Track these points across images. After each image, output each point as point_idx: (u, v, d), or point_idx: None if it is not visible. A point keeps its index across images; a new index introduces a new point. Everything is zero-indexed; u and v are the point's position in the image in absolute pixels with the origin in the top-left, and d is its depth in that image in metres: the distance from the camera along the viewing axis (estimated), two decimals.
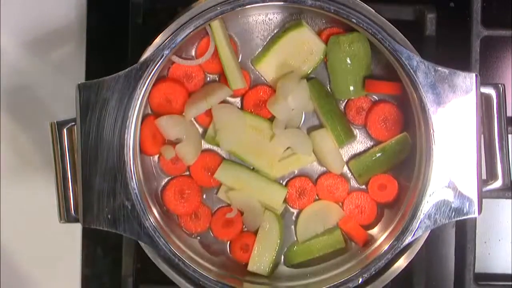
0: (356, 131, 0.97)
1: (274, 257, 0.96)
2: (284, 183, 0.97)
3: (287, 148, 0.96)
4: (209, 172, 0.96)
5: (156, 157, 0.97)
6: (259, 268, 0.96)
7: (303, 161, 0.97)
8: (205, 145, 0.97)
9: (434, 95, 0.88)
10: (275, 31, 0.96)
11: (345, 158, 0.97)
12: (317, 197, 0.97)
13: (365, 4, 0.90)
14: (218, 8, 0.88)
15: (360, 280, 0.91)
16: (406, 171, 0.95)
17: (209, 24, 0.93)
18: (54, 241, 1.05)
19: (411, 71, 0.88)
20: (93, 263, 1.05)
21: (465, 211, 0.89)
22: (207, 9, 0.89)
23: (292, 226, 0.98)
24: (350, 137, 0.96)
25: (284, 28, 0.96)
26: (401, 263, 0.92)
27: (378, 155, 0.96)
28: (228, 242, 0.97)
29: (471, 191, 0.88)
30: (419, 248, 0.92)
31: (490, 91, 0.91)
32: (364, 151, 0.97)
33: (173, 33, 0.89)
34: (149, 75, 0.88)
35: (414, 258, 0.92)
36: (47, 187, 1.03)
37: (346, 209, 0.97)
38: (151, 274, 0.97)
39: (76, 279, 1.05)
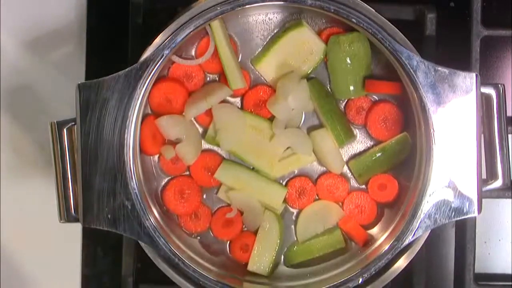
0: (356, 131, 0.97)
1: (274, 257, 0.96)
2: (284, 183, 0.97)
3: (287, 148, 0.96)
4: (209, 172, 0.96)
5: (156, 157, 0.97)
6: (259, 268, 0.96)
7: (303, 161, 0.97)
8: (205, 145, 0.97)
9: (434, 95, 0.88)
10: (275, 31, 0.96)
11: (345, 158, 0.97)
12: (317, 197, 0.97)
13: (365, 4, 0.90)
14: (218, 8, 0.88)
15: (360, 280, 0.91)
16: (406, 171, 0.95)
17: (209, 24, 0.93)
18: (54, 241, 1.05)
19: (411, 71, 0.88)
20: (93, 263, 1.05)
21: (465, 211, 0.89)
22: (207, 9, 0.89)
23: (292, 226, 0.98)
24: (350, 137, 0.96)
25: (284, 28, 0.96)
26: (401, 263, 0.92)
27: (378, 155, 0.96)
28: (228, 242, 0.97)
29: (471, 191, 0.88)
30: (419, 248, 0.92)
31: (490, 91, 0.91)
32: (364, 151, 0.97)
33: (173, 33, 0.89)
34: (149, 75, 0.88)
35: (414, 258, 0.92)
36: (47, 187, 1.03)
37: (346, 209, 0.97)
38: (151, 274, 0.97)
39: (76, 279, 1.05)
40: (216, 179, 0.96)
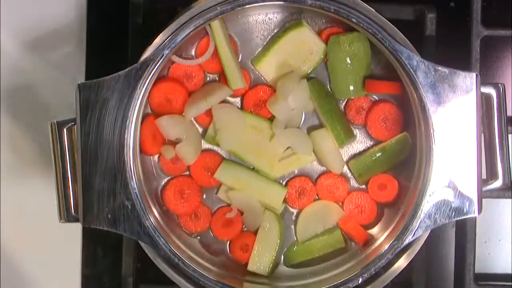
0: (356, 131, 0.97)
1: (274, 257, 0.96)
2: (284, 183, 0.97)
3: (287, 148, 0.96)
4: (209, 172, 0.96)
5: (156, 157, 0.97)
6: (259, 268, 0.96)
7: (303, 161, 0.97)
8: (205, 145, 0.97)
9: (434, 95, 0.88)
10: (275, 31, 0.96)
11: (345, 158, 0.97)
12: (317, 197, 0.97)
13: (365, 4, 0.90)
14: (218, 8, 0.88)
15: (360, 280, 0.91)
16: (406, 171, 0.95)
17: (209, 24, 0.93)
18: (54, 241, 1.05)
19: (411, 71, 0.88)
20: (93, 263, 1.05)
21: (465, 211, 0.89)
22: (207, 9, 0.89)
23: (292, 226, 0.98)
24: (350, 137, 0.96)
25: (284, 28, 0.96)
26: (401, 263, 0.92)
27: (378, 155, 0.96)
28: (228, 242, 0.97)
29: (471, 191, 0.88)
30: (419, 248, 0.92)
31: (490, 91, 0.91)
32: (364, 151, 0.97)
33: (173, 33, 0.89)
34: (149, 75, 0.88)
35: (414, 258, 0.92)
36: (47, 187, 1.03)
37: (346, 209, 0.97)
38: (151, 274, 0.97)
39: (76, 279, 1.05)
40: (216, 179, 0.96)
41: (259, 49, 0.96)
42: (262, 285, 0.95)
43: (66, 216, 0.90)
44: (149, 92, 0.91)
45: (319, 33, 0.96)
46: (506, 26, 1.02)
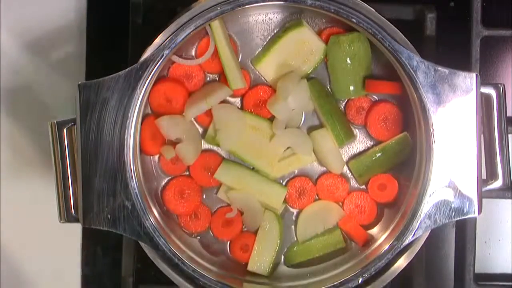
0: (356, 131, 0.97)
1: (274, 257, 0.96)
2: (284, 183, 0.97)
3: (287, 148, 0.96)
4: (209, 172, 0.96)
5: (156, 157, 0.97)
6: (259, 268, 0.96)
7: (303, 161, 0.97)
8: (205, 145, 0.97)
9: (434, 95, 0.88)
10: (275, 31, 0.96)
11: (345, 158, 0.97)
12: (317, 197, 0.97)
13: (365, 4, 0.90)
14: (218, 8, 0.88)
15: (360, 280, 0.91)
16: (406, 171, 0.94)
17: (209, 24, 0.93)
18: (54, 241, 1.05)
19: (411, 71, 0.88)
20: (93, 263, 1.05)
21: (465, 211, 0.89)
22: (207, 9, 0.89)
23: (292, 226, 0.98)
24: (350, 137, 0.96)
25: (284, 28, 0.95)
26: (401, 263, 0.92)
27: (378, 155, 0.96)
28: (228, 242, 0.97)
29: (471, 191, 0.88)
30: (419, 248, 0.92)
31: (490, 91, 0.91)
32: (364, 151, 0.97)
33: (173, 33, 0.89)
34: (149, 75, 0.88)
35: (414, 258, 0.92)
36: (47, 187, 1.03)
37: (346, 209, 0.97)
38: (151, 274, 0.97)
39: (76, 279, 1.05)
40: (216, 179, 0.96)
41: (259, 49, 0.96)
42: (262, 285, 0.95)
43: (66, 216, 0.90)
44: (149, 92, 0.91)
45: (319, 33, 0.96)
46: (506, 26, 1.02)
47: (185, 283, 0.92)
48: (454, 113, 0.88)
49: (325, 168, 0.97)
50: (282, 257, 0.98)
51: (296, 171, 0.97)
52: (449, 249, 1.04)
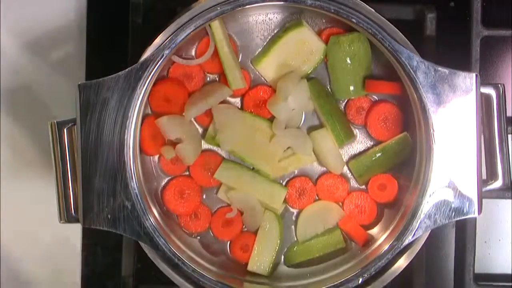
0: (356, 131, 0.97)
1: (274, 257, 0.96)
2: (284, 183, 0.97)
3: (287, 148, 0.96)
4: (209, 172, 0.96)
5: (156, 157, 0.97)
6: (259, 268, 0.96)
7: (303, 161, 0.97)
8: (205, 145, 0.97)
9: (434, 95, 0.88)
10: (275, 31, 0.96)
11: (345, 158, 0.97)
12: (317, 197, 0.97)
13: (365, 4, 0.90)
14: (218, 8, 0.88)
15: (360, 280, 0.91)
16: (406, 171, 0.94)
17: (209, 24, 0.93)
18: (54, 241, 1.05)
19: (411, 71, 0.88)
20: (93, 263, 1.05)
21: (465, 211, 0.89)
22: (207, 9, 0.89)
23: (292, 226, 0.98)
24: (350, 137, 0.96)
25: (284, 28, 0.95)
26: (401, 263, 0.92)
27: (378, 155, 0.96)
28: (228, 242, 0.97)
29: (471, 191, 0.88)
30: (419, 248, 0.92)
31: (490, 91, 0.91)
32: (364, 151, 0.97)
33: (173, 33, 0.89)
34: (149, 75, 0.88)
35: (414, 258, 0.92)
36: (47, 187, 1.03)
37: (346, 209, 0.97)
38: (151, 274, 0.97)
39: (76, 279, 1.05)
40: (216, 179, 0.96)
41: (259, 49, 0.96)
42: (262, 285, 0.95)
43: (66, 216, 0.90)
44: (149, 92, 0.91)
45: (319, 33, 0.96)
46: (506, 26, 1.02)
47: (185, 283, 0.92)
48: (454, 113, 0.88)
49: (325, 168, 0.97)
50: (282, 257, 0.98)
51: (296, 171, 0.97)
52: (449, 249, 1.04)
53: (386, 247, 0.90)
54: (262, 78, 0.97)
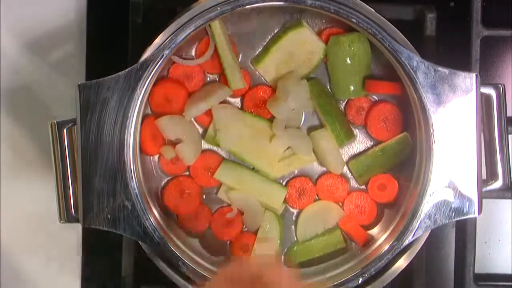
0: (356, 131, 0.97)
1: None
2: (284, 183, 0.97)
3: (287, 148, 0.96)
4: (209, 172, 0.96)
5: (156, 157, 0.97)
6: None
7: (303, 161, 0.97)
8: (205, 145, 0.97)
9: (434, 95, 0.88)
10: (275, 31, 0.96)
11: (345, 158, 0.97)
12: (317, 197, 0.97)
13: (365, 4, 0.90)
14: (218, 8, 0.88)
15: (360, 280, 0.91)
16: (406, 171, 0.94)
17: (209, 24, 0.93)
18: (54, 241, 1.05)
19: (411, 71, 0.88)
20: (93, 263, 1.05)
21: (465, 211, 0.89)
22: (207, 9, 0.89)
23: (292, 226, 0.98)
24: (350, 137, 0.96)
25: (284, 28, 0.96)
26: (401, 263, 0.92)
27: (378, 155, 0.96)
28: (228, 242, 0.97)
29: (471, 191, 0.88)
30: (419, 248, 0.92)
31: (490, 91, 0.91)
32: (364, 151, 0.97)
33: (173, 33, 0.89)
34: (149, 75, 0.88)
35: (414, 258, 0.92)
36: (47, 187, 1.03)
37: (346, 209, 0.97)
38: (151, 274, 0.97)
39: (76, 279, 1.05)
40: (216, 179, 0.96)
41: (259, 49, 0.96)
42: None
43: (66, 216, 0.90)
44: (149, 92, 0.91)
45: (319, 33, 0.96)
46: (506, 26, 1.02)
47: (185, 283, 0.92)
48: (454, 113, 0.88)
49: (325, 168, 0.97)
50: (282, 257, 0.98)
51: (296, 171, 0.97)
52: (449, 249, 1.04)
53: (386, 247, 0.90)
54: (262, 78, 0.97)
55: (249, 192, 0.96)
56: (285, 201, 0.97)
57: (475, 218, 0.98)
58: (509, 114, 0.97)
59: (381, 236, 0.94)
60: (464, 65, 0.99)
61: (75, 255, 1.05)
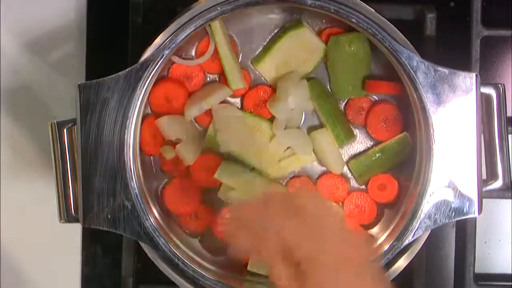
0: (356, 131, 0.97)
1: None
2: (284, 183, 0.97)
3: (287, 148, 0.96)
4: (209, 172, 0.96)
5: (156, 157, 0.96)
6: (259, 268, 0.96)
7: (303, 161, 0.97)
8: (205, 145, 0.97)
9: (434, 95, 0.88)
10: (275, 31, 0.96)
11: (345, 158, 0.97)
12: None
13: (365, 4, 0.90)
14: (218, 8, 0.88)
15: None
16: (406, 171, 0.94)
17: (209, 24, 0.93)
18: (54, 241, 1.05)
19: (411, 71, 0.88)
20: (93, 263, 1.05)
21: (465, 211, 0.89)
22: (207, 9, 0.89)
23: None
24: (350, 137, 0.96)
25: (284, 28, 0.95)
26: (401, 263, 0.92)
27: (378, 155, 0.96)
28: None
29: (471, 191, 0.88)
30: (419, 248, 0.92)
31: (490, 91, 0.91)
32: (364, 151, 0.97)
33: (173, 33, 0.89)
34: (149, 75, 0.88)
35: (414, 258, 0.92)
36: (47, 187, 1.03)
37: (346, 209, 0.97)
38: (151, 274, 0.97)
39: (76, 279, 1.05)
40: (216, 179, 0.96)
41: (259, 49, 0.96)
42: (262, 285, 0.95)
43: (66, 216, 0.90)
44: (149, 92, 0.91)
45: (319, 33, 0.96)
46: (506, 26, 1.02)
47: (185, 283, 0.92)
48: (454, 113, 0.88)
49: (325, 168, 0.97)
50: None
51: (296, 171, 0.97)
52: (449, 249, 1.04)
53: (386, 247, 0.90)
54: (262, 78, 0.97)
55: (249, 192, 0.95)
56: None
57: (475, 218, 0.98)
58: (509, 114, 0.97)
59: (381, 236, 0.94)
60: (464, 65, 0.99)
61: (75, 255, 1.05)
